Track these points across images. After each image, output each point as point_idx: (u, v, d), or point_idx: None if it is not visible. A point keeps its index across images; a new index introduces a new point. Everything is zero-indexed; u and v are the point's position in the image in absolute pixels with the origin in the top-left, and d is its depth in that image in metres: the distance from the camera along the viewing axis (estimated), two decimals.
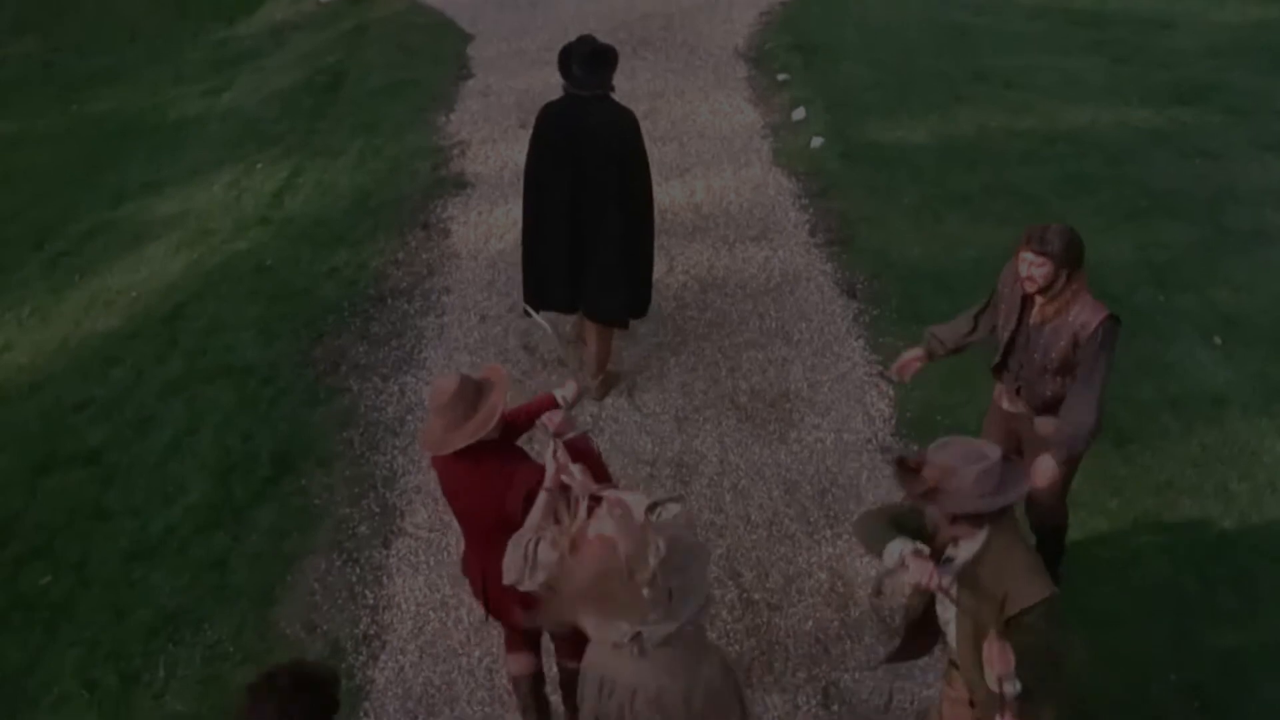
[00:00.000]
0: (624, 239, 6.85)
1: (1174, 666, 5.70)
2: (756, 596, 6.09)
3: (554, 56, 6.78)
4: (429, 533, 6.57)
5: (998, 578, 4.01)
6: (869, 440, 6.97)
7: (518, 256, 7.92)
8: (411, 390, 7.54)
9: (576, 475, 4.29)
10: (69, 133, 12.35)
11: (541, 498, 4.39)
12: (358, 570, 6.40)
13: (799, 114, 10.40)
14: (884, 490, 6.61)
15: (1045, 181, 9.58)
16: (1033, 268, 5.05)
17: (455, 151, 10.23)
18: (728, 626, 5.96)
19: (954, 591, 4.12)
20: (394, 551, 6.50)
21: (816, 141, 9.91)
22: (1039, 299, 5.20)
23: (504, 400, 4.63)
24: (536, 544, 4.17)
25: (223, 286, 8.81)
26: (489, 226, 9.07)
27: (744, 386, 7.43)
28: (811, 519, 6.51)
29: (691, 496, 6.63)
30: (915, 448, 6.59)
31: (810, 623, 5.97)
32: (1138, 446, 6.95)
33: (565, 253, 6.91)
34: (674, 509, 4.16)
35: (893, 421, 7.10)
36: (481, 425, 4.55)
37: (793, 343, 7.72)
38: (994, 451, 4.02)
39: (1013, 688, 3.88)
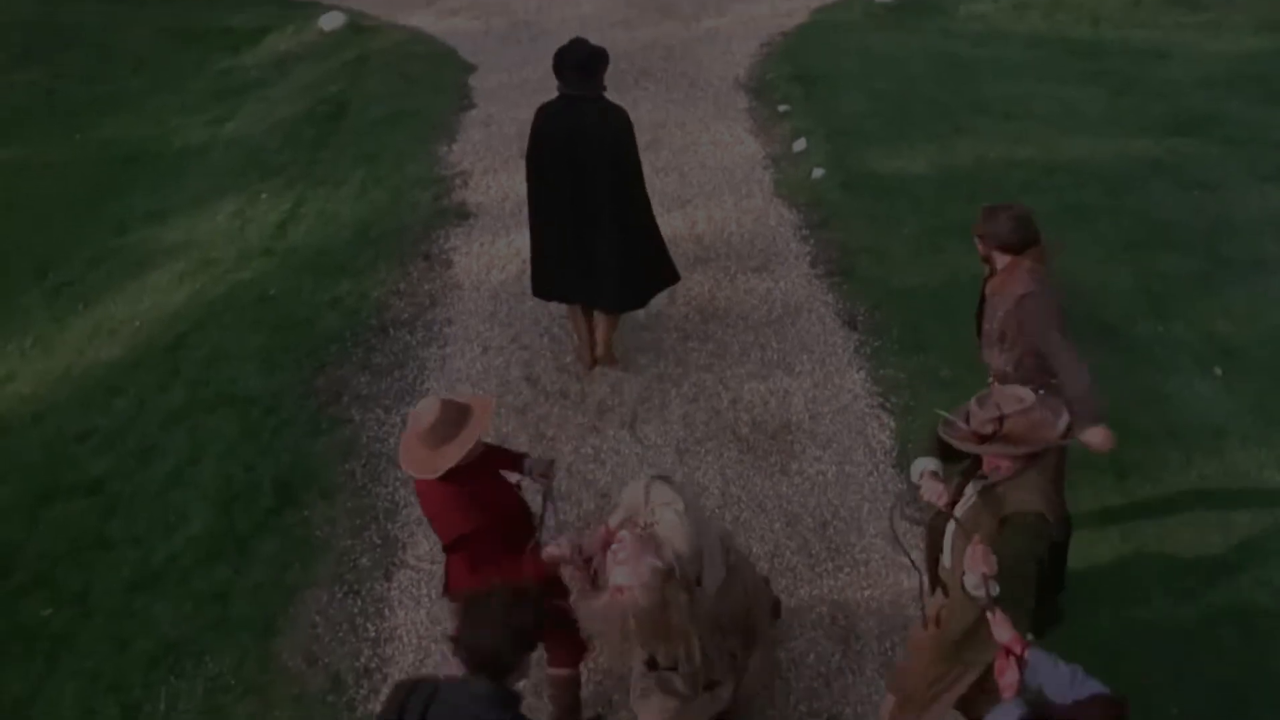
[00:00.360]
0: (622, 230, 7.14)
1: (1175, 699, 5.71)
2: None
3: (555, 87, 6.94)
4: (431, 565, 6.57)
5: (1010, 495, 4.36)
6: (870, 473, 6.98)
7: (520, 287, 7.97)
8: None
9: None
10: (73, 161, 12.38)
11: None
12: (359, 602, 6.41)
13: (800, 145, 10.45)
14: (886, 523, 6.62)
15: (1044, 212, 9.47)
16: (974, 237, 5.54)
17: (457, 182, 10.28)
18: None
19: (959, 514, 4.44)
20: (395, 584, 6.51)
21: (817, 172, 9.95)
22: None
23: (476, 438, 4.72)
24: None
25: (226, 316, 8.84)
26: (491, 257, 9.10)
27: (745, 418, 7.45)
28: (813, 552, 6.52)
29: None
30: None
31: (812, 655, 5.98)
32: (1138, 478, 6.96)
33: (567, 246, 7.23)
34: (669, 515, 4.46)
35: (894, 453, 7.11)
36: (441, 463, 4.66)
37: (794, 374, 7.74)
38: (1028, 393, 4.42)
39: (993, 590, 4.14)
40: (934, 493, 4.60)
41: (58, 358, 8.97)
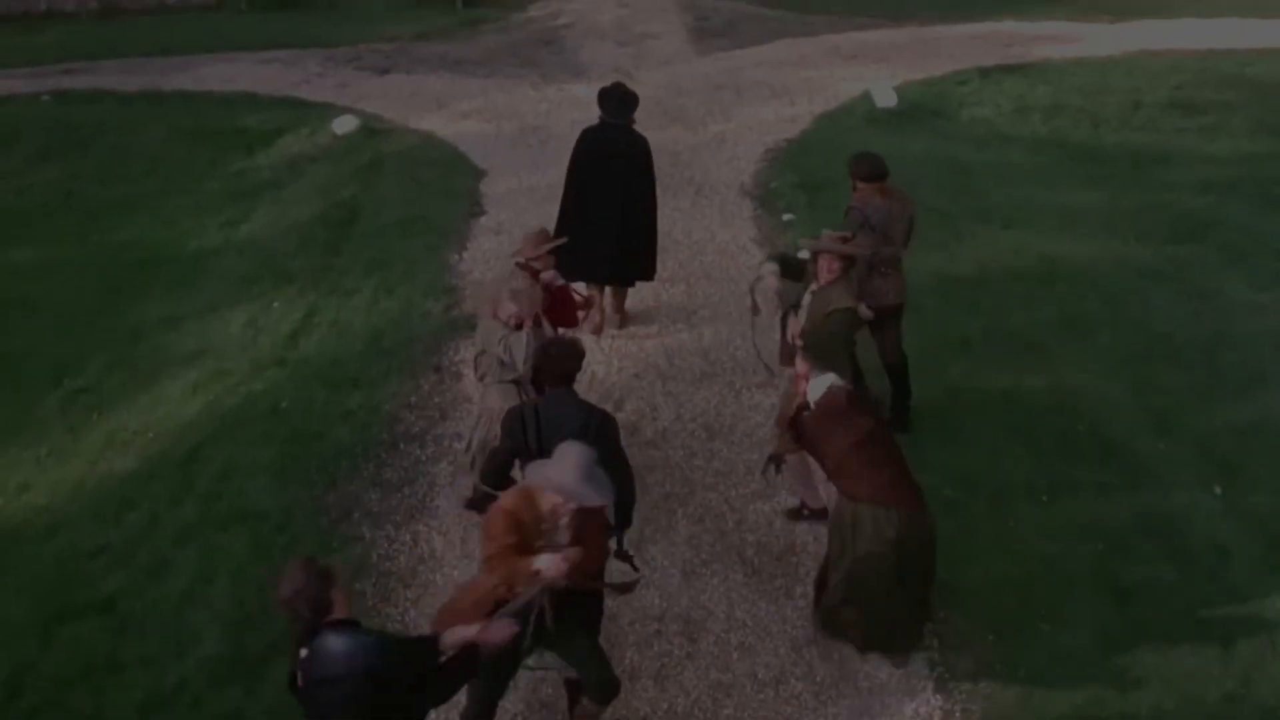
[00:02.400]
0: (642, 227, 9.36)
1: None
2: None
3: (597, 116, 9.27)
4: None
5: (831, 296, 7.36)
6: None
7: None
8: (424, 540, 7.63)
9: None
10: (89, 262, 12.51)
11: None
12: None
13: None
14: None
15: (1044, 324, 9.76)
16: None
17: (467, 291, 10.43)
18: None
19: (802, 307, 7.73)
20: None
21: None
22: None
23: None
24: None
25: (238, 429, 8.94)
26: None
27: (750, 540, 7.54)
28: (818, 678, 6.56)
29: (699, 655, 6.73)
30: None
31: None
32: (1138, 600, 7.01)
33: (594, 236, 9.08)
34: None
35: None
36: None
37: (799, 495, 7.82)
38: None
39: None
40: (772, 275, 8.01)
41: (71, 468, 9.06)
